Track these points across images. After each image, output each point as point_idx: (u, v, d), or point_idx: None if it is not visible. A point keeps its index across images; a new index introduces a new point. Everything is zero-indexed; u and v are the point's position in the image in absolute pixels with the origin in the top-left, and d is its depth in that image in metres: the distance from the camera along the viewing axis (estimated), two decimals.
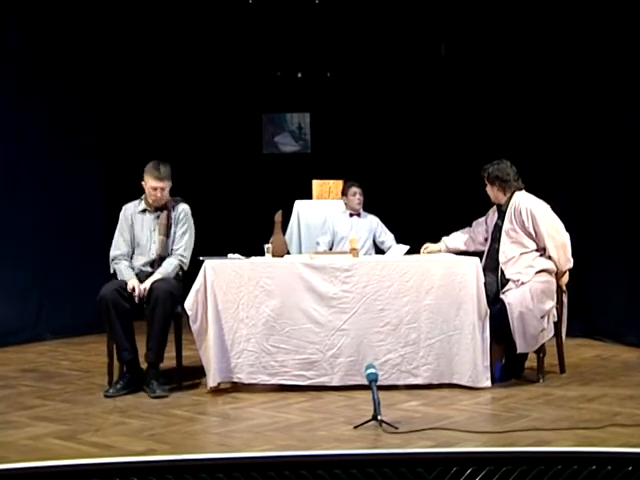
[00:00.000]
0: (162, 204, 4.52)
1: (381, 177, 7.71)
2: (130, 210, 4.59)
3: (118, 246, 4.53)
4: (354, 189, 5.93)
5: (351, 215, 5.95)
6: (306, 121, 8.32)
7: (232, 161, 8.06)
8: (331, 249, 5.84)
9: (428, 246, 4.78)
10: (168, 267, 4.45)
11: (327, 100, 8.07)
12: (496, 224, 4.64)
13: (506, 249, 4.48)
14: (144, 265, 4.49)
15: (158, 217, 4.53)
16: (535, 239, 4.47)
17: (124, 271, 4.43)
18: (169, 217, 4.53)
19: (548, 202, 4.62)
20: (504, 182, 4.57)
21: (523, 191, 4.60)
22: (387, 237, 5.92)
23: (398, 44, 7.69)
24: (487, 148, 6.69)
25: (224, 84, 8.01)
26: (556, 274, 4.52)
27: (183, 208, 4.60)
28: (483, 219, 4.81)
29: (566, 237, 4.50)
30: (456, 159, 7.44)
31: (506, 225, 4.52)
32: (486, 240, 4.74)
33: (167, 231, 4.51)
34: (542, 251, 4.49)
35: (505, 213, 4.55)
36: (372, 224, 5.95)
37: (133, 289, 4.31)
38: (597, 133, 5.91)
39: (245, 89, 8.04)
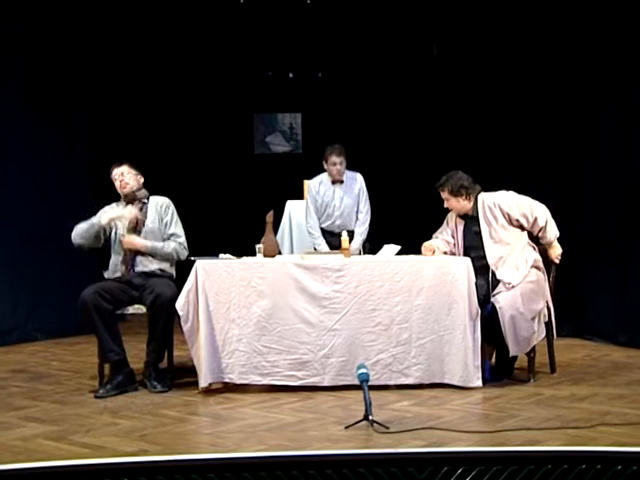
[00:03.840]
0: (127, 193, 4.55)
1: (372, 177, 7.69)
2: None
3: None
4: (333, 158, 5.60)
5: (333, 182, 5.70)
6: (297, 121, 8.33)
7: (223, 161, 8.06)
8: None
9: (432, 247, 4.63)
10: (166, 246, 4.49)
11: (318, 100, 8.08)
12: (470, 232, 4.58)
13: (492, 251, 4.47)
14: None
15: None
16: (524, 224, 4.47)
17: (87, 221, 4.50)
18: (142, 211, 4.56)
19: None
20: (469, 189, 4.54)
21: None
22: (363, 208, 5.72)
23: (389, 44, 7.71)
24: (480, 148, 6.74)
25: (216, 84, 8.00)
26: (544, 252, 4.55)
27: (164, 201, 4.63)
28: (443, 226, 4.75)
29: (544, 206, 4.54)
30: (448, 159, 7.45)
31: (484, 229, 4.50)
32: (452, 237, 4.70)
33: (136, 226, 4.53)
34: (523, 241, 4.49)
35: (478, 219, 4.53)
36: (356, 186, 5.73)
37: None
38: (590, 134, 5.92)
39: (236, 89, 8.04)
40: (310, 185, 5.81)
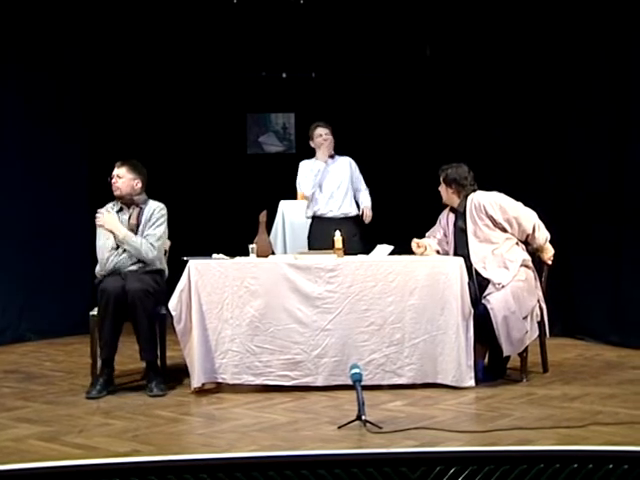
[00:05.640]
0: (122, 196, 4.49)
1: (365, 178, 7.72)
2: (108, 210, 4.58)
3: (102, 246, 4.46)
4: (319, 130, 5.43)
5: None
6: (291, 121, 8.33)
7: (216, 161, 8.05)
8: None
9: (421, 244, 4.64)
10: (136, 239, 4.40)
11: (312, 100, 8.07)
12: (457, 227, 4.62)
13: (476, 249, 4.49)
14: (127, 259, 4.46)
15: (130, 218, 4.52)
16: (508, 229, 4.49)
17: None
18: (139, 216, 4.52)
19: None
20: (460, 186, 4.59)
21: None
22: (360, 186, 5.65)
23: (383, 44, 7.71)
24: (472, 147, 6.74)
25: (209, 84, 7.99)
26: (536, 252, 4.57)
27: (157, 206, 4.56)
28: (436, 226, 4.79)
29: (533, 213, 4.56)
30: (440, 159, 7.45)
31: (470, 227, 4.53)
32: (445, 235, 4.73)
33: (136, 230, 4.49)
34: (511, 240, 4.51)
35: (464, 215, 4.56)
36: (348, 165, 5.61)
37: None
38: (584, 134, 5.92)
39: (230, 89, 8.03)
40: (302, 162, 5.65)
